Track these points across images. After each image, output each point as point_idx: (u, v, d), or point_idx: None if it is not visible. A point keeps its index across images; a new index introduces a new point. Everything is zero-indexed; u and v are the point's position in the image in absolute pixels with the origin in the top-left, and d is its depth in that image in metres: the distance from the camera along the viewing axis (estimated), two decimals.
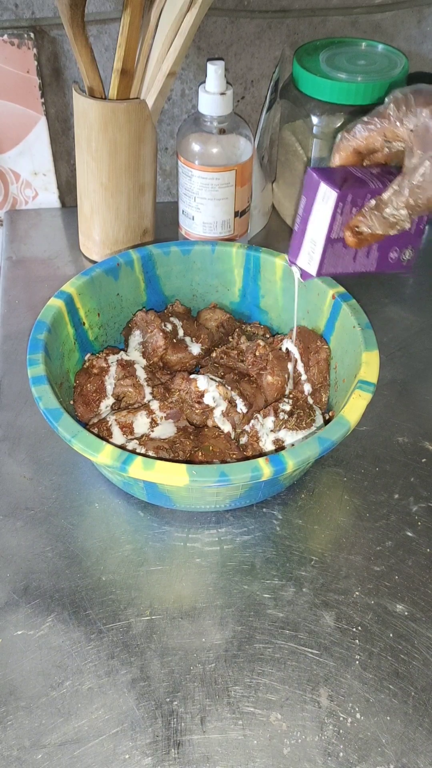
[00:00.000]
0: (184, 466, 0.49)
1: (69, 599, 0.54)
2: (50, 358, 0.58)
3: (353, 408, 0.54)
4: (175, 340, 0.67)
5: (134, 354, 0.67)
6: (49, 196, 0.92)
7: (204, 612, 0.53)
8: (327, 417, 0.62)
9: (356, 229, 0.51)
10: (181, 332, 0.68)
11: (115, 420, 0.59)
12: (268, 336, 0.70)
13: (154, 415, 0.60)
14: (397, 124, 0.48)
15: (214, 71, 0.71)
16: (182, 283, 0.71)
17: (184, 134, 0.75)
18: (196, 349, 0.67)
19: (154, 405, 0.61)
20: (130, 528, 0.59)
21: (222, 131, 0.74)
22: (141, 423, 0.60)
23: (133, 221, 0.80)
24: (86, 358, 0.65)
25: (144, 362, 0.66)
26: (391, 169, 0.51)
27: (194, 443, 0.59)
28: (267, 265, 0.68)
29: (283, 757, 0.47)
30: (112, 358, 0.65)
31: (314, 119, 0.79)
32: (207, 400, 0.61)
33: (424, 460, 0.64)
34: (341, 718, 0.48)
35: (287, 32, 0.85)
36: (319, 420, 0.61)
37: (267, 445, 0.59)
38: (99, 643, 0.52)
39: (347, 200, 0.50)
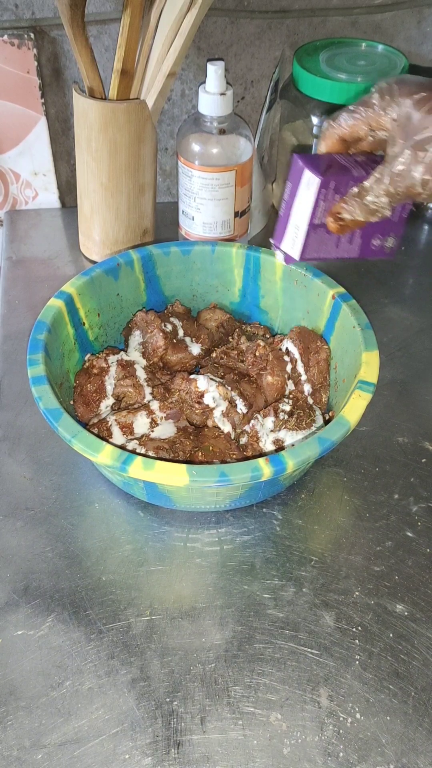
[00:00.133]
0: (184, 466, 0.49)
1: (69, 599, 0.54)
2: (50, 358, 0.58)
3: (353, 408, 0.54)
4: (175, 341, 0.67)
5: (134, 354, 0.67)
6: (49, 196, 0.92)
7: (204, 612, 0.53)
8: (327, 417, 0.62)
9: (338, 215, 0.51)
10: (181, 332, 0.68)
11: (115, 420, 0.59)
12: (268, 336, 0.70)
13: (154, 416, 0.60)
14: (381, 113, 0.49)
15: (214, 71, 0.71)
16: (182, 284, 0.71)
17: (184, 134, 0.75)
18: (196, 349, 0.67)
19: (154, 405, 0.61)
20: (130, 528, 0.59)
21: (222, 131, 0.74)
22: (141, 423, 0.60)
23: (133, 221, 0.80)
24: (86, 358, 0.65)
25: (144, 362, 0.66)
26: (375, 157, 0.52)
27: (194, 443, 0.59)
28: (267, 265, 0.68)
29: (283, 757, 0.47)
30: (112, 359, 0.65)
31: (314, 119, 0.79)
32: (207, 400, 0.61)
33: (424, 460, 0.64)
34: (341, 718, 0.48)
35: (287, 32, 0.85)
36: (319, 420, 0.61)
37: (267, 445, 0.59)
38: (99, 643, 0.52)
39: (330, 187, 0.51)
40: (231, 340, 0.69)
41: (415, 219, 0.91)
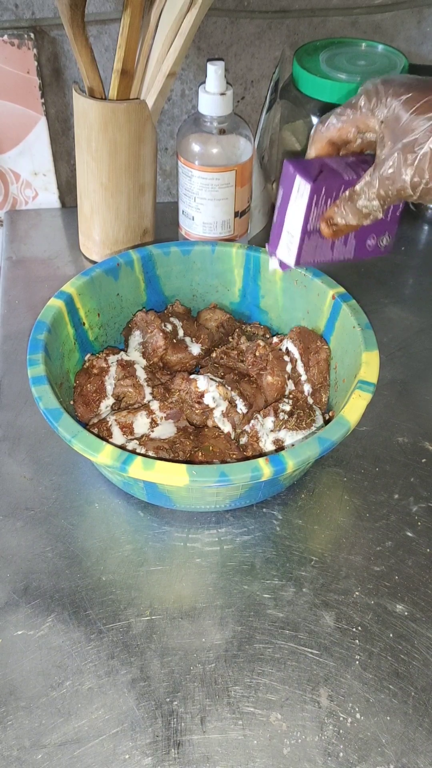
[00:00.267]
0: (184, 466, 0.49)
1: (69, 599, 0.54)
2: (50, 358, 0.58)
3: (353, 408, 0.54)
4: (175, 341, 0.67)
5: (134, 354, 0.67)
6: (49, 196, 0.92)
7: (204, 612, 0.53)
8: (327, 417, 0.62)
9: (331, 220, 0.51)
10: (181, 332, 0.68)
11: (115, 420, 0.59)
12: (268, 336, 0.70)
13: (154, 416, 0.60)
14: (368, 115, 0.48)
15: (214, 71, 0.71)
16: (182, 284, 0.71)
17: (184, 134, 0.75)
18: (196, 349, 0.67)
19: (154, 405, 0.61)
20: (130, 528, 0.59)
21: (222, 131, 0.74)
22: (141, 423, 0.60)
23: (133, 221, 0.80)
24: (86, 358, 0.65)
25: (144, 362, 0.66)
26: (366, 158, 0.52)
27: (194, 443, 0.59)
28: (267, 265, 0.68)
29: (283, 757, 0.47)
30: (112, 359, 0.65)
31: (314, 119, 0.79)
32: (207, 400, 0.61)
33: (424, 460, 0.64)
34: (341, 718, 0.48)
35: (287, 32, 0.85)
36: (319, 420, 0.61)
37: (267, 445, 0.59)
38: (99, 643, 0.52)
39: (321, 192, 0.50)
40: (231, 340, 0.69)
41: (415, 219, 0.91)
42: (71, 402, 0.63)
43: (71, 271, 0.83)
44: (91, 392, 0.63)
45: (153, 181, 0.79)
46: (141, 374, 0.64)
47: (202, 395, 0.61)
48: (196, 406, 0.61)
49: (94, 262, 0.82)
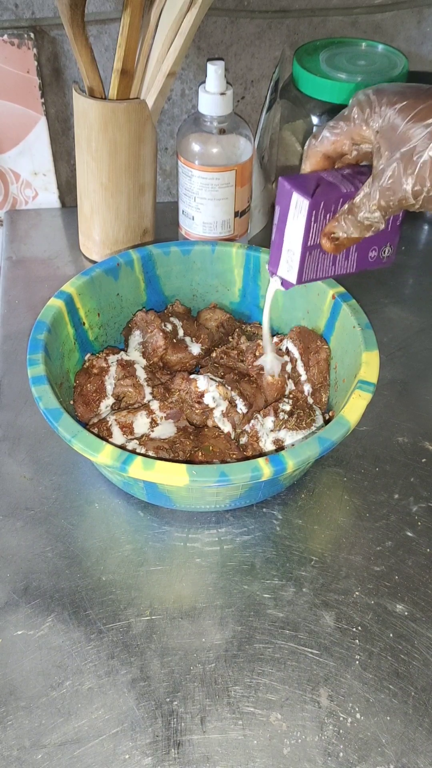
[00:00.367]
0: (184, 466, 0.49)
1: (69, 599, 0.54)
2: (50, 358, 0.58)
3: (353, 408, 0.54)
4: (175, 340, 0.67)
5: (134, 354, 0.67)
6: (49, 196, 0.92)
7: (204, 612, 0.53)
8: (327, 417, 0.62)
9: (332, 234, 0.50)
10: (181, 332, 0.68)
11: (115, 420, 0.59)
12: None
13: (154, 415, 0.60)
14: (362, 126, 0.47)
15: (214, 71, 0.71)
16: (182, 283, 0.71)
17: (184, 134, 0.75)
18: (196, 349, 0.67)
19: (154, 405, 0.61)
20: (130, 528, 0.59)
21: (222, 131, 0.74)
22: (141, 423, 0.60)
23: (133, 221, 0.80)
24: (86, 358, 0.65)
25: (144, 362, 0.66)
26: (362, 169, 0.51)
27: (194, 443, 0.59)
28: (267, 265, 0.68)
29: (283, 757, 0.47)
30: (112, 358, 0.65)
31: (314, 119, 0.79)
32: (207, 400, 0.61)
33: (424, 460, 0.64)
34: (341, 718, 0.48)
35: (287, 32, 0.85)
36: (319, 420, 0.61)
37: (267, 445, 0.59)
38: (99, 643, 0.52)
39: (320, 207, 0.49)
40: (231, 340, 0.69)
41: (415, 219, 0.91)
42: (71, 402, 0.63)
43: (71, 271, 0.83)
44: (91, 392, 0.63)
45: (153, 181, 0.79)
46: (141, 374, 0.64)
47: (202, 395, 0.61)
48: (196, 406, 0.61)
49: (94, 262, 0.82)
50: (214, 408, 0.61)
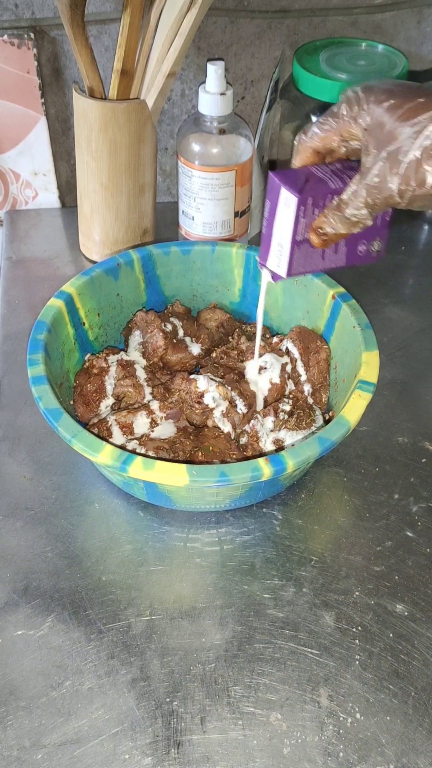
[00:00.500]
0: (184, 466, 0.49)
1: (69, 599, 0.54)
2: (50, 358, 0.58)
3: (353, 408, 0.54)
4: (175, 340, 0.67)
5: (134, 354, 0.67)
6: (49, 196, 0.92)
7: (204, 612, 0.53)
8: (327, 417, 0.62)
9: (320, 229, 0.51)
10: (181, 332, 0.68)
11: (115, 420, 0.59)
12: (268, 336, 0.70)
13: (154, 415, 0.60)
14: (351, 123, 0.48)
15: (214, 71, 0.71)
16: (182, 283, 0.71)
17: (184, 134, 0.75)
18: (196, 349, 0.67)
19: (154, 405, 0.61)
20: (130, 528, 0.59)
21: (222, 131, 0.74)
22: (141, 423, 0.60)
23: (133, 221, 0.80)
24: (86, 358, 0.65)
25: (144, 362, 0.66)
26: (352, 164, 0.51)
27: (194, 443, 0.59)
28: None
29: (283, 757, 0.47)
30: (112, 358, 0.65)
31: (314, 119, 0.79)
32: (207, 400, 0.61)
33: (424, 460, 0.64)
34: (341, 718, 0.48)
35: (287, 32, 0.85)
36: (319, 420, 0.61)
37: (267, 445, 0.59)
38: (99, 643, 0.52)
39: (308, 202, 0.50)
40: (231, 340, 0.69)
41: (415, 219, 0.91)
42: (71, 402, 0.63)
43: (71, 271, 0.83)
44: (91, 392, 0.63)
45: (153, 181, 0.79)
46: (141, 374, 0.64)
47: (202, 395, 0.61)
48: (196, 406, 0.61)
49: (94, 262, 0.82)
50: (214, 408, 0.61)
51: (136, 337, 0.68)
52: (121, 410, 0.61)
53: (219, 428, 0.61)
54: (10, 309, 0.79)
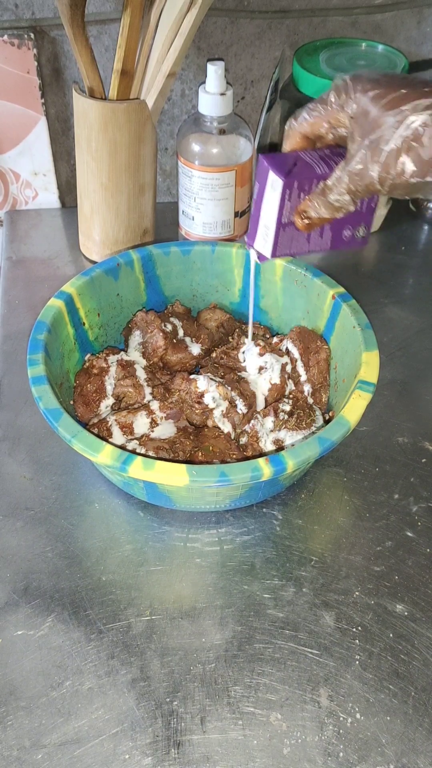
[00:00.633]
0: (184, 466, 0.49)
1: (69, 599, 0.54)
2: (50, 358, 0.58)
3: (353, 408, 0.54)
4: (175, 341, 0.67)
5: (134, 354, 0.67)
6: (49, 196, 0.92)
7: (204, 612, 0.53)
8: (327, 417, 0.62)
9: (304, 213, 0.52)
10: (181, 332, 0.68)
11: (115, 420, 0.59)
12: (268, 336, 0.70)
13: (154, 415, 0.60)
14: (338, 110, 0.49)
15: (214, 71, 0.71)
16: (182, 284, 0.71)
17: (184, 134, 0.75)
18: (196, 349, 0.67)
19: (154, 405, 0.61)
20: (130, 528, 0.59)
21: (222, 131, 0.74)
22: (141, 423, 0.60)
23: (133, 221, 0.80)
24: (86, 358, 0.65)
25: (144, 362, 0.66)
26: (341, 151, 0.52)
27: (194, 443, 0.59)
28: (267, 265, 0.68)
29: (283, 757, 0.47)
30: (112, 359, 0.65)
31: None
32: (207, 400, 0.61)
33: (424, 460, 0.64)
34: (341, 718, 0.48)
35: (287, 32, 0.85)
36: (319, 420, 0.61)
37: (267, 445, 0.59)
38: (99, 643, 0.52)
39: (294, 186, 0.51)
40: (231, 340, 0.69)
41: (415, 219, 0.91)
42: (71, 402, 0.63)
43: (71, 271, 0.83)
44: (91, 392, 0.63)
45: (153, 181, 0.79)
46: (141, 374, 0.64)
47: (202, 395, 0.61)
48: (196, 406, 0.61)
49: (94, 262, 0.82)
50: (214, 408, 0.61)
51: (136, 337, 0.68)
52: (121, 410, 0.61)
53: (219, 428, 0.61)
54: (10, 309, 0.79)
